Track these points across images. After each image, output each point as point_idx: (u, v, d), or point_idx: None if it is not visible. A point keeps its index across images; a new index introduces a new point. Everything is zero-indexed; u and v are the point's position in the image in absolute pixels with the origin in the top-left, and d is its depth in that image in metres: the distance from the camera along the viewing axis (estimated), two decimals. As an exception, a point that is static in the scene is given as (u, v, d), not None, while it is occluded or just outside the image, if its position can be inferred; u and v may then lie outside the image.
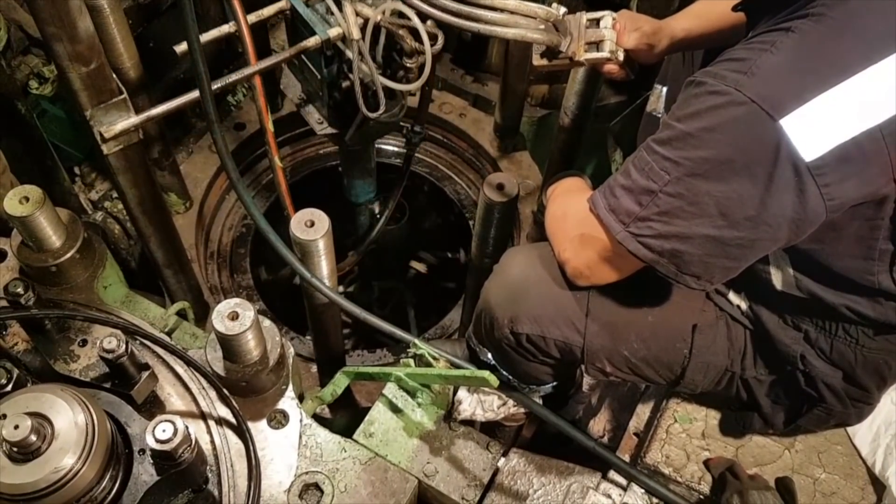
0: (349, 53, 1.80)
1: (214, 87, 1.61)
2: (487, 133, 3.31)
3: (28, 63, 2.41)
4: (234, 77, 1.73)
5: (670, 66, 2.14)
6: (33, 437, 1.18)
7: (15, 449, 1.18)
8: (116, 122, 1.72)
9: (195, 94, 1.64)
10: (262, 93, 1.80)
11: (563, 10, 1.67)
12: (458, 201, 3.40)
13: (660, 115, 2.13)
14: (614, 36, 1.78)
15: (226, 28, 1.82)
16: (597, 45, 1.78)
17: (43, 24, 1.52)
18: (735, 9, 1.52)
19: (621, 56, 1.81)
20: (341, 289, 3.38)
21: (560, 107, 2.61)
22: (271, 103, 3.16)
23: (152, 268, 2.44)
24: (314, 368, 2.70)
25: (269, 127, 1.85)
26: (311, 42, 1.81)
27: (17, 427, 1.17)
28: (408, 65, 1.83)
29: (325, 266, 1.74)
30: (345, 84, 1.96)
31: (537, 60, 1.80)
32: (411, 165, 2.74)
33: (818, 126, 1.18)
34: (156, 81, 3.00)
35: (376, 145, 2.74)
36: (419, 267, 3.67)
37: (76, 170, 2.90)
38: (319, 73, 1.99)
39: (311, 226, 1.65)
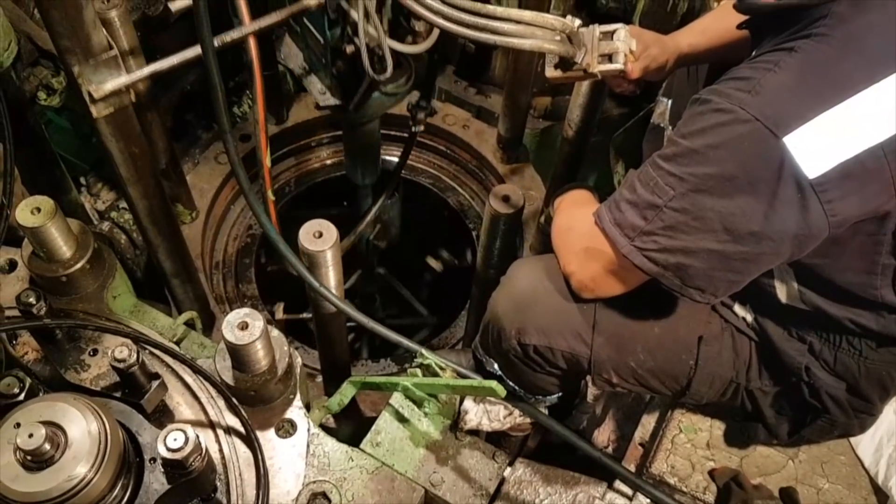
0: (354, 15, 1.67)
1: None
2: (491, 144, 3.32)
3: (37, 74, 2.42)
4: (231, 35, 1.57)
5: (675, 80, 2.16)
6: (47, 446, 1.19)
7: (29, 457, 1.19)
8: (106, 81, 1.62)
9: (191, 52, 1.58)
10: (261, 81, 1.66)
11: (577, 21, 1.68)
12: (462, 212, 3.42)
13: (664, 128, 2.15)
14: (626, 48, 1.75)
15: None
16: (609, 57, 1.79)
17: (57, 37, 1.54)
18: (740, 27, 1.54)
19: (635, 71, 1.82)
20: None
21: (563, 118, 2.62)
22: (276, 115, 3.20)
23: (159, 278, 2.45)
24: (319, 378, 2.71)
25: (263, 120, 1.76)
26: (313, 0, 1.71)
27: (31, 436, 1.17)
28: (416, 28, 1.74)
29: (332, 276, 1.76)
30: (349, 49, 1.84)
31: (551, 72, 1.79)
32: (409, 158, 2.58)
33: (821, 144, 1.20)
34: (165, 91, 3.04)
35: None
36: (434, 264, 3.61)
37: (82, 180, 2.93)
38: (322, 38, 1.89)
39: (320, 237, 1.67)
